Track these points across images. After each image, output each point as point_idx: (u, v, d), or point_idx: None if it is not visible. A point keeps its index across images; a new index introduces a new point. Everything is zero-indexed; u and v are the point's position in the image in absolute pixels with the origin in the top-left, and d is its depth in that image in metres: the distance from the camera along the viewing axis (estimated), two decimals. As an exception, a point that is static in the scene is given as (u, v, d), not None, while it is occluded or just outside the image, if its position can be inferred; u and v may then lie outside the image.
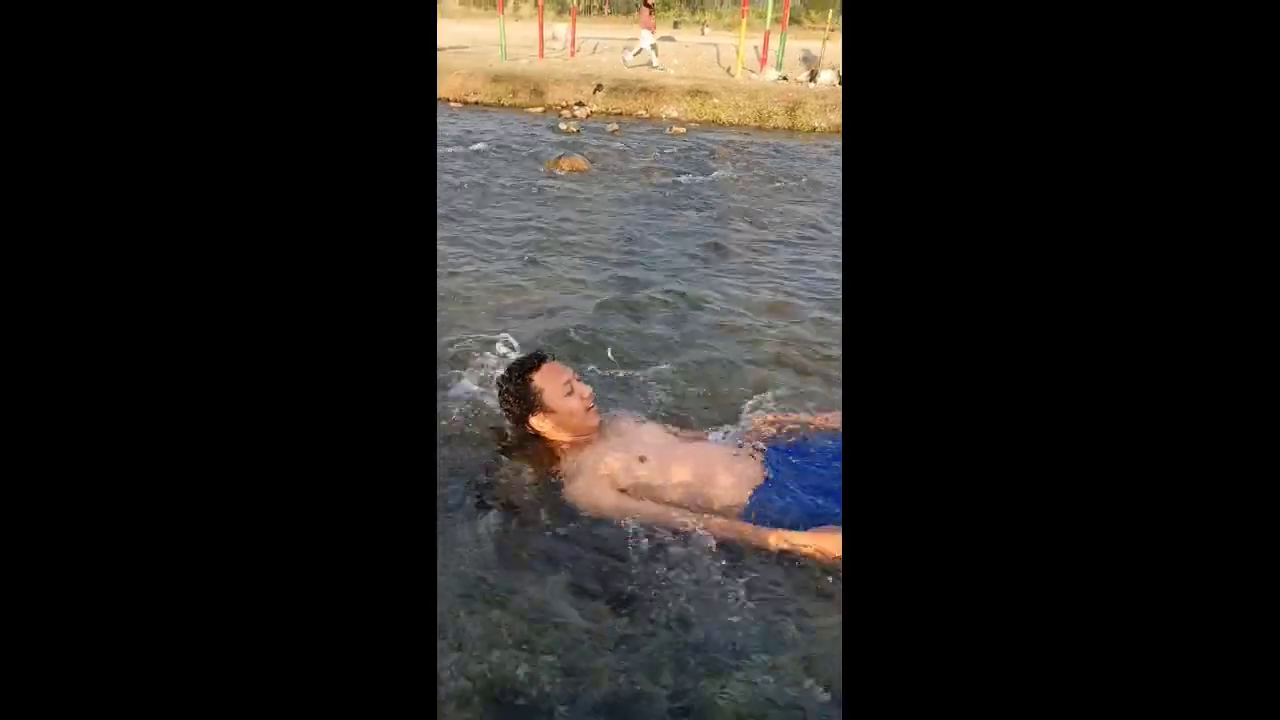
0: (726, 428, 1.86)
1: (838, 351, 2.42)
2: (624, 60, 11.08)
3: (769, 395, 2.07)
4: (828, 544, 1.40)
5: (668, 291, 2.94)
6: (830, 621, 1.28)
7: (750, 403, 2.02)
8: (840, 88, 8.78)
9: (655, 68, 10.54)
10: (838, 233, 4.02)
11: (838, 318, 2.72)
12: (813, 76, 9.37)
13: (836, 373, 2.24)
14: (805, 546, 1.41)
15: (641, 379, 2.19)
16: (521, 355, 1.83)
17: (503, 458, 1.74)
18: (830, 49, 11.16)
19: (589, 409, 1.70)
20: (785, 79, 9.49)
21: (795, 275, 3.28)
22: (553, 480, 1.64)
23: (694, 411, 2.01)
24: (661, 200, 4.61)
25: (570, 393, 1.69)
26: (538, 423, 1.71)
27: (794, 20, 18.21)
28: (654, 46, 11.08)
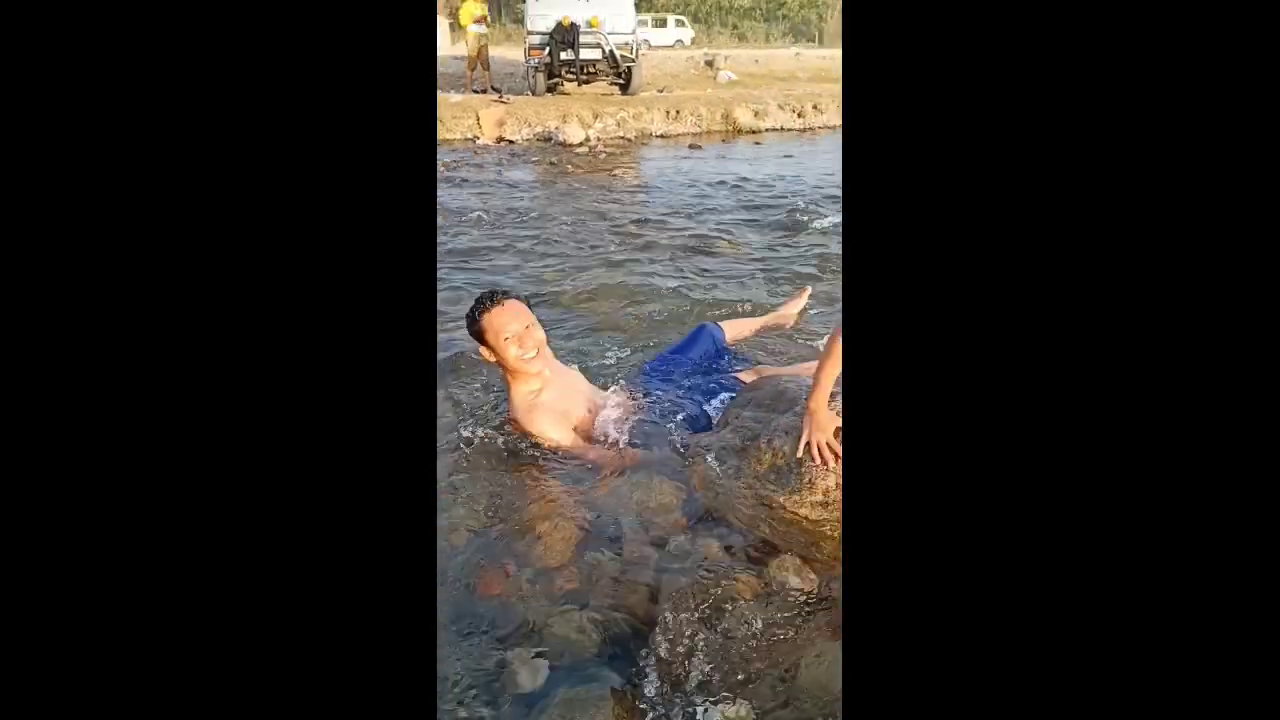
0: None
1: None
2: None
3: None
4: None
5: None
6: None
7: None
8: None
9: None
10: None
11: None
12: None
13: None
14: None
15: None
16: (490, 289, 1.88)
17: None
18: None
19: (529, 358, 1.77)
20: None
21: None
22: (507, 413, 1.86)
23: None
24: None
25: (509, 339, 1.75)
26: (485, 354, 1.82)
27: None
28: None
